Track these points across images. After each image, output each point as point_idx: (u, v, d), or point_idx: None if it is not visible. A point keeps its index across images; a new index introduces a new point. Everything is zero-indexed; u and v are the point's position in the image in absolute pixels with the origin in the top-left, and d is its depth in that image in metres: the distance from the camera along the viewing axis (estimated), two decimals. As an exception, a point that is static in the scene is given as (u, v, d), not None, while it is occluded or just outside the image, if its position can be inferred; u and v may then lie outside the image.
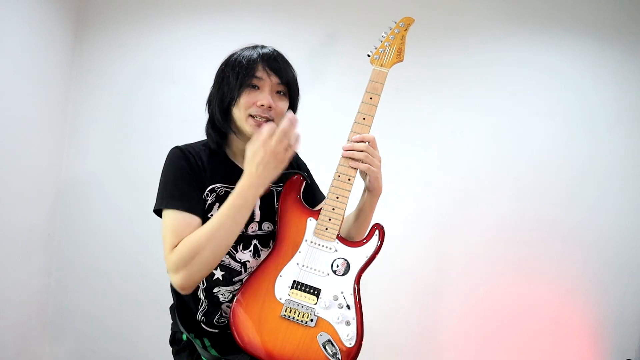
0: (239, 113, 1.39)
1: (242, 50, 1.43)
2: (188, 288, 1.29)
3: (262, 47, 1.44)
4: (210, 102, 1.46)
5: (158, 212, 1.37)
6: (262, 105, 1.37)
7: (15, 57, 2.17)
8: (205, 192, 1.39)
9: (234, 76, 1.37)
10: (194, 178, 1.37)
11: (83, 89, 2.55)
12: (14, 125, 2.20)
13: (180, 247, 1.26)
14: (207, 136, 1.47)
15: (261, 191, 1.28)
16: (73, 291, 2.59)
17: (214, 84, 1.45)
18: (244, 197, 1.27)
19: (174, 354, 1.49)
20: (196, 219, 1.33)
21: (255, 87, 1.38)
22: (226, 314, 1.42)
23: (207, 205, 1.38)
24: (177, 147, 1.42)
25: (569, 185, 2.50)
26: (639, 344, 2.48)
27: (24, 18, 2.19)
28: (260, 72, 1.37)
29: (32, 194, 2.37)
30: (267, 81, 1.38)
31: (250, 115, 1.38)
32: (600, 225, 2.49)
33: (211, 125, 1.46)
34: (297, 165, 1.64)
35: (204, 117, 1.50)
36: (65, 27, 2.46)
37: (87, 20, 2.54)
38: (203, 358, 1.39)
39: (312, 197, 1.58)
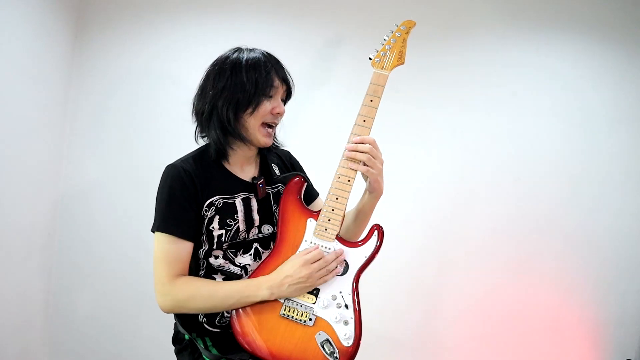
0: (254, 121, 1.40)
1: (241, 53, 1.41)
2: (166, 312, 1.38)
3: (263, 51, 1.44)
4: (216, 107, 1.39)
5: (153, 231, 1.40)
6: (278, 113, 1.42)
7: (15, 57, 2.17)
8: (204, 208, 1.39)
9: (252, 84, 1.37)
10: (187, 199, 1.36)
11: (83, 89, 2.55)
12: (14, 125, 2.20)
13: (182, 287, 1.35)
14: (213, 142, 1.42)
15: (272, 299, 1.34)
16: (73, 291, 2.60)
17: (220, 88, 1.38)
18: (254, 294, 1.33)
19: (176, 352, 1.50)
20: (186, 244, 1.37)
21: (270, 96, 1.41)
22: (228, 314, 1.42)
23: (207, 220, 1.39)
24: (171, 166, 1.39)
25: (568, 185, 2.50)
26: (639, 344, 2.48)
27: (24, 18, 2.20)
28: (277, 82, 1.41)
29: (32, 195, 2.37)
30: (280, 89, 1.42)
31: (264, 123, 1.41)
32: (600, 225, 2.50)
33: (221, 130, 1.40)
34: (290, 164, 1.64)
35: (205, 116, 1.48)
36: (65, 27, 2.47)
37: (87, 20, 2.54)
38: (204, 357, 1.40)
39: (309, 195, 1.61)
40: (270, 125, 1.43)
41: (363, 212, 1.49)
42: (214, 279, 1.42)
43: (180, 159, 1.43)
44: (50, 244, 2.55)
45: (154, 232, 1.38)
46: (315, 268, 1.31)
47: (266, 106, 1.39)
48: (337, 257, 1.34)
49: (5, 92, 2.14)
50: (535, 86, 2.50)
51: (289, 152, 1.68)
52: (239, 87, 1.37)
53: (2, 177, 2.17)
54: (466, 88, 2.51)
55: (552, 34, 2.50)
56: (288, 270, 1.32)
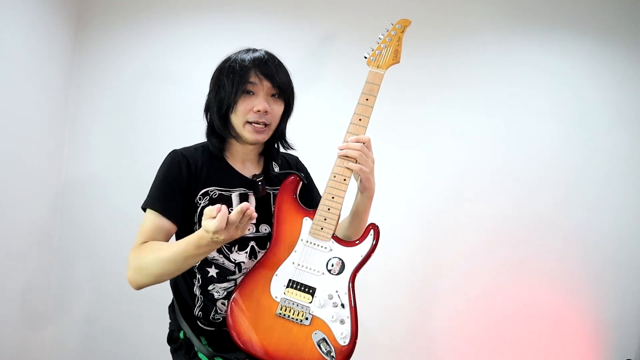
0: (237, 120, 1.42)
1: (236, 54, 1.45)
2: (134, 286, 1.35)
3: (254, 50, 1.45)
4: (208, 109, 1.48)
5: (143, 208, 1.42)
6: (259, 111, 1.39)
7: (15, 57, 2.18)
8: (198, 196, 1.41)
9: (229, 83, 1.39)
10: (180, 184, 1.39)
11: (83, 89, 2.56)
12: (14, 125, 2.21)
13: (139, 255, 1.33)
14: (208, 141, 1.49)
15: (207, 251, 1.27)
16: (73, 291, 2.60)
17: (211, 90, 1.47)
18: (196, 251, 1.24)
19: (172, 352, 1.51)
20: (168, 223, 1.38)
21: (250, 93, 1.41)
22: (221, 310, 1.43)
23: (200, 209, 1.40)
24: (174, 151, 1.45)
25: (568, 185, 2.50)
26: (639, 344, 2.47)
27: (24, 18, 2.21)
28: (253, 78, 1.39)
29: (32, 194, 2.38)
30: (260, 86, 1.41)
31: (248, 122, 1.41)
32: (600, 225, 2.49)
33: (211, 132, 1.48)
34: (296, 169, 1.64)
35: (203, 118, 1.51)
36: (65, 27, 2.47)
37: (87, 20, 2.55)
38: (200, 355, 1.41)
39: (311, 200, 1.59)
40: (257, 123, 1.41)
41: (358, 213, 1.49)
42: (208, 272, 1.43)
43: (186, 146, 1.49)
44: (50, 243, 2.55)
45: (143, 209, 1.41)
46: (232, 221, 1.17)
47: (245, 104, 1.40)
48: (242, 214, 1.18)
49: (6, 91, 2.14)
50: (535, 86, 2.50)
51: (296, 158, 1.69)
52: (221, 87, 1.41)
53: (2, 176, 2.17)
54: (466, 88, 2.51)
55: (552, 34, 2.50)
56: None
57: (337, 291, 1.34)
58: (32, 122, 2.32)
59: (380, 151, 1.54)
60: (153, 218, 1.37)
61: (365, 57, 1.44)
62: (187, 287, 1.47)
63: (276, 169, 1.55)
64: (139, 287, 1.35)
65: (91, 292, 2.60)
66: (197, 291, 1.44)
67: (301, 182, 1.49)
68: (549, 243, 2.51)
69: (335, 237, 1.38)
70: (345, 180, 1.38)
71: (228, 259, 1.44)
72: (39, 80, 2.34)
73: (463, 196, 2.52)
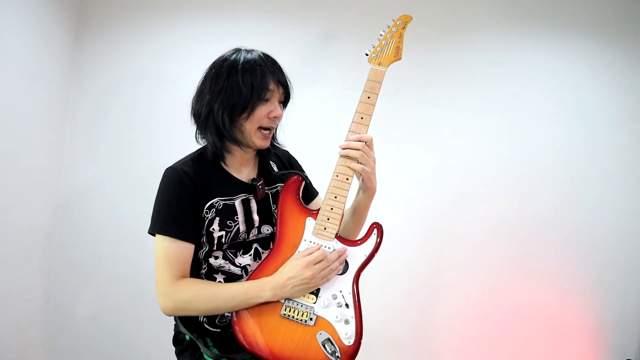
0: (251, 126, 1.39)
1: (236, 54, 1.40)
2: (169, 315, 1.38)
3: (252, 51, 1.42)
4: (212, 110, 1.38)
5: (152, 233, 1.39)
6: (274, 117, 1.39)
7: (15, 57, 2.17)
8: (205, 210, 1.38)
9: (248, 88, 1.35)
10: (188, 201, 1.36)
11: (83, 89, 2.55)
12: (14, 125, 2.21)
13: (183, 288, 1.34)
14: (210, 145, 1.42)
15: (275, 299, 1.33)
16: (73, 291, 2.60)
17: (217, 91, 1.37)
18: (258, 295, 1.33)
19: (177, 353, 1.50)
20: (188, 246, 1.37)
21: (267, 100, 1.39)
22: (228, 313, 1.43)
23: (207, 222, 1.39)
24: (171, 169, 1.39)
25: (568, 185, 2.49)
26: (639, 344, 2.48)
27: (24, 18, 2.20)
28: (272, 85, 1.38)
29: (32, 194, 2.37)
30: (276, 93, 1.40)
31: (260, 128, 1.40)
32: (600, 226, 2.49)
33: (217, 134, 1.40)
34: (289, 164, 1.64)
35: (194, 121, 1.47)
36: (65, 27, 2.47)
37: (87, 21, 2.54)
38: (205, 357, 1.40)
39: (307, 193, 1.59)
40: (267, 129, 1.42)
41: (358, 211, 1.49)
42: (215, 279, 1.42)
43: (180, 161, 1.44)
44: (50, 244, 2.55)
45: (152, 234, 1.38)
46: (319, 268, 1.30)
47: (262, 110, 1.38)
48: (340, 256, 1.34)
49: (5, 92, 2.14)
50: (535, 86, 2.50)
51: (287, 152, 1.67)
52: (235, 91, 1.35)
53: (2, 178, 2.17)
54: (466, 88, 2.51)
55: (552, 34, 2.50)
56: (291, 272, 1.31)
57: (341, 291, 1.34)
58: (32, 122, 2.32)
59: (380, 151, 1.53)
60: (169, 244, 1.34)
61: (367, 55, 1.43)
62: None
63: (275, 168, 1.55)
64: (173, 315, 1.41)
65: (91, 292, 2.60)
66: None
67: (304, 182, 1.48)
68: (549, 243, 2.50)
69: (338, 237, 1.37)
70: (347, 179, 1.37)
71: (233, 263, 1.43)
72: (39, 80, 2.34)
73: (463, 196, 2.52)
